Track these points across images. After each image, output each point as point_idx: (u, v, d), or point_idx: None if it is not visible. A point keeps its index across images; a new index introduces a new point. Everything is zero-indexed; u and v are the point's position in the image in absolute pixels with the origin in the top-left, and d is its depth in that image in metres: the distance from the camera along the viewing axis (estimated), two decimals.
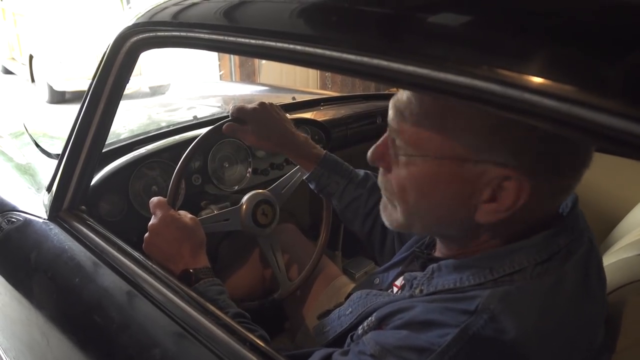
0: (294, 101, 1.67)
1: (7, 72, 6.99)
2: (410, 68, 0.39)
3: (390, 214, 0.60)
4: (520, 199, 0.49)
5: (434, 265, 0.57)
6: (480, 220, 0.52)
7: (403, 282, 0.64)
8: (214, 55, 5.81)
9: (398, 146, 0.55)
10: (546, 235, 0.51)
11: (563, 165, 0.50)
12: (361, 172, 0.97)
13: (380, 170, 0.60)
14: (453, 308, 0.49)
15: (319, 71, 5.47)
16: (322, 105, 1.67)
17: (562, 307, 0.50)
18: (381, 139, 0.59)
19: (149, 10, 0.71)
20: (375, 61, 0.41)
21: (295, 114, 1.47)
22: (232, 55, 5.67)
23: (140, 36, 0.72)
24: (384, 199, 0.61)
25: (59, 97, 5.46)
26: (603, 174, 1.26)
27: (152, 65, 5.22)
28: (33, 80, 5.87)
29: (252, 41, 0.53)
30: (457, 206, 0.53)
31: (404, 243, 0.88)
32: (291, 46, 0.48)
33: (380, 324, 0.55)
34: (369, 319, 0.58)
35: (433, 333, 0.47)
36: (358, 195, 0.94)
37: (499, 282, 0.50)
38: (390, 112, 0.56)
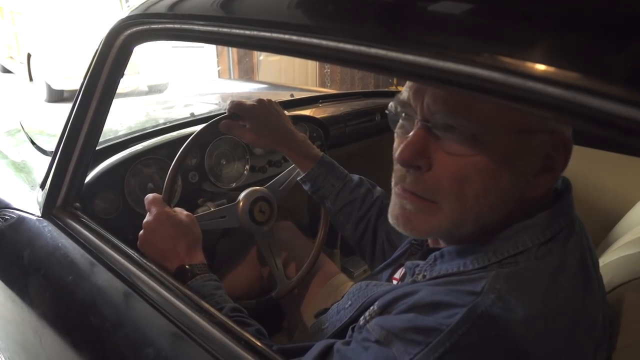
0: (292, 98, 1.66)
1: (6, 70, 6.97)
2: (409, 57, 0.38)
3: (425, 222, 0.53)
4: (566, 165, 0.50)
5: (436, 253, 0.57)
6: (532, 194, 0.51)
7: (403, 272, 0.63)
8: (212, 53, 5.81)
9: (458, 129, 0.49)
10: (548, 214, 0.51)
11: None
12: (355, 177, 0.96)
13: (407, 174, 0.53)
14: (459, 289, 0.48)
15: (318, 69, 5.46)
16: (321, 103, 1.66)
17: (566, 287, 0.50)
18: (411, 135, 0.52)
19: (143, 3, 0.70)
20: (373, 50, 0.40)
21: (293, 111, 1.46)
22: (230, 53, 5.67)
23: (134, 29, 0.71)
24: (409, 208, 0.54)
25: (57, 96, 5.45)
26: (604, 172, 1.26)
27: (150, 63, 5.21)
28: (31, 79, 5.86)
29: (247, 32, 0.52)
30: (518, 184, 0.50)
31: (393, 246, 0.88)
32: (287, 36, 0.47)
33: (383, 311, 0.54)
34: (371, 308, 0.56)
35: (440, 314, 0.46)
36: (352, 199, 0.94)
37: (504, 264, 0.50)
38: (430, 95, 0.50)
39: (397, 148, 0.54)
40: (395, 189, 0.57)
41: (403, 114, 0.56)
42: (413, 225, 0.55)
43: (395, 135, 0.58)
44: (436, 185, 0.51)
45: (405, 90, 0.55)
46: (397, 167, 0.55)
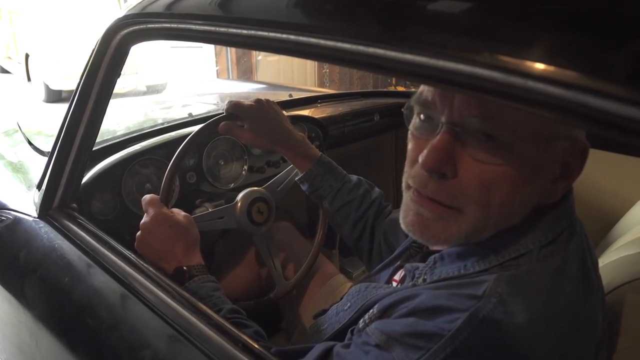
0: (291, 98, 1.65)
1: (4, 71, 6.96)
2: (408, 56, 0.37)
3: (445, 229, 0.51)
4: (581, 171, 0.50)
5: (436, 255, 0.56)
6: (548, 200, 0.51)
7: (403, 274, 0.62)
8: (210, 53, 5.80)
9: (489, 135, 0.47)
10: (550, 216, 0.51)
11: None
12: (354, 177, 0.96)
13: (430, 180, 0.51)
14: (460, 293, 0.47)
15: (316, 69, 5.46)
16: (320, 103, 1.66)
17: (568, 289, 0.49)
18: (437, 140, 0.49)
19: (140, 2, 0.69)
20: (372, 50, 0.39)
21: (292, 111, 1.45)
22: (228, 53, 5.67)
23: (131, 29, 0.70)
24: (429, 214, 0.52)
25: (55, 96, 5.44)
26: (603, 172, 1.26)
27: (148, 63, 5.20)
28: (29, 79, 5.84)
29: (245, 32, 0.51)
30: (538, 191, 0.50)
31: (390, 247, 0.87)
32: (284, 36, 0.47)
33: (383, 315, 0.53)
34: (370, 311, 0.55)
35: (441, 319, 0.46)
36: (350, 199, 0.93)
37: (505, 267, 0.49)
38: (459, 99, 0.48)
39: (416, 150, 0.52)
40: (409, 194, 0.54)
41: (422, 115, 0.53)
42: (431, 232, 0.52)
43: (411, 135, 0.55)
44: (461, 193, 0.49)
45: (427, 90, 0.52)
46: (417, 171, 0.52)
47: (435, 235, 0.52)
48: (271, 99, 0.95)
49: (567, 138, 0.49)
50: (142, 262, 0.74)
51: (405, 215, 0.55)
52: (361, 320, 0.56)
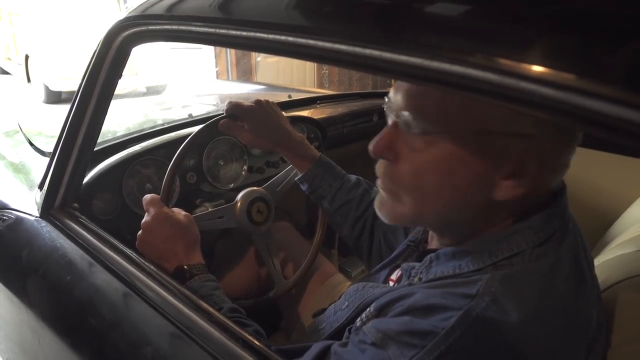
0: (290, 99, 1.66)
1: (4, 72, 6.96)
2: (403, 57, 0.38)
3: (392, 209, 0.58)
4: (542, 172, 0.49)
5: (432, 254, 0.57)
6: (499, 197, 0.51)
7: (400, 273, 0.63)
8: (210, 54, 5.81)
9: (415, 127, 0.51)
10: (542, 216, 0.52)
11: (570, 136, 0.50)
12: (353, 177, 0.97)
13: (381, 163, 0.58)
14: (454, 292, 0.48)
15: (315, 70, 5.47)
16: (319, 103, 1.66)
17: (560, 288, 0.50)
18: (385, 127, 0.57)
19: (141, 4, 0.70)
20: (368, 51, 0.40)
21: (291, 111, 1.46)
22: (228, 54, 5.68)
23: (132, 30, 0.71)
24: (382, 195, 0.59)
25: (55, 97, 5.45)
26: (600, 171, 1.26)
27: (148, 65, 5.21)
28: (29, 80, 5.85)
29: (244, 33, 0.52)
30: (477, 185, 0.51)
31: (390, 247, 0.88)
32: (283, 37, 0.48)
33: (379, 314, 0.54)
34: (367, 309, 0.56)
35: (436, 317, 0.47)
36: (350, 199, 0.94)
37: (499, 266, 0.50)
38: (401, 93, 0.53)
39: None
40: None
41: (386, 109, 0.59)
42: (385, 211, 0.59)
43: None
44: (398, 178, 0.55)
45: (394, 87, 0.57)
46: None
47: (388, 213, 0.59)
48: (270, 100, 0.95)
49: (514, 135, 0.48)
50: (143, 261, 0.75)
51: (376, 198, 0.61)
52: (358, 319, 0.57)
